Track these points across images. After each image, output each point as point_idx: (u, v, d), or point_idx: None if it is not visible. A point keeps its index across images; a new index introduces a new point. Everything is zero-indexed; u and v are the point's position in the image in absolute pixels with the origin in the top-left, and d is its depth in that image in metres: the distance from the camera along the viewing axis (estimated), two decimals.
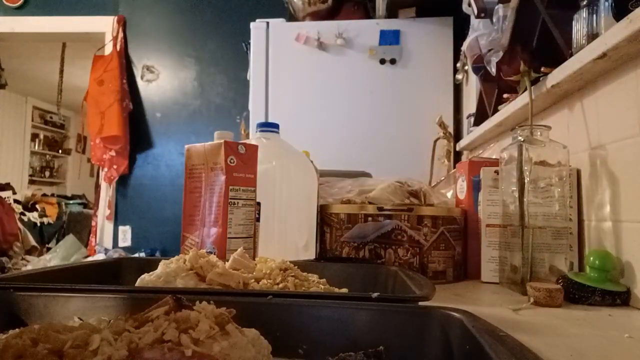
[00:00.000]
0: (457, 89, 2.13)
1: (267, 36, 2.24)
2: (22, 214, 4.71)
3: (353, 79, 2.17)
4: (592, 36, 0.77)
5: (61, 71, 5.21)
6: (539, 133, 0.81)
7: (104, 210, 3.29)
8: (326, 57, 2.19)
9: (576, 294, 0.68)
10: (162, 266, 0.61)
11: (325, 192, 1.04)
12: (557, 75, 0.86)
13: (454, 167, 1.40)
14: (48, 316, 0.42)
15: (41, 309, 0.43)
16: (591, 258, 0.70)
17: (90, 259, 3.11)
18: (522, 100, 1.02)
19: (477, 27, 1.46)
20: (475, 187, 0.96)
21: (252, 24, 2.28)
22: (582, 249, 0.84)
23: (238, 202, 0.79)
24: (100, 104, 3.19)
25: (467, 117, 1.79)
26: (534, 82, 0.94)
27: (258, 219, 0.84)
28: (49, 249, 4.26)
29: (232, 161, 0.79)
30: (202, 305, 0.33)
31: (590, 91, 0.83)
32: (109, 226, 3.28)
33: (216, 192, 0.79)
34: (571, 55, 0.82)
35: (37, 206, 5.03)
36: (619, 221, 0.73)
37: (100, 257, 3.07)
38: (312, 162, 1.03)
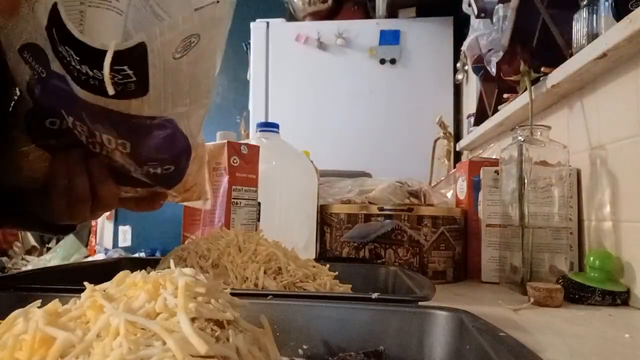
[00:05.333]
0: (457, 89, 2.13)
1: (267, 36, 2.25)
2: None
3: (353, 79, 2.18)
4: (592, 36, 0.77)
5: None
6: (539, 133, 0.81)
7: None
8: (326, 57, 2.19)
9: (576, 294, 0.68)
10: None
11: (325, 192, 1.04)
12: (557, 75, 0.86)
13: (454, 167, 1.40)
14: None
15: None
16: (591, 258, 0.70)
17: (90, 259, 3.12)
18: (522, 100, 1.02)
19: (477, 27, 1.46)
20: (475, 187, 0.96)
21: (252, 24, 2.28)
22: (582, 249, 0.84)
23: (240, 202, 0.80)
24: None
25: (467, 117, 1.79)
26: (534, 82, 0.94)
27: (258, 219, 0.84)
28: (49, 249, 4.26)
29: (234, 161, 0.79)
30: None
31: (590, 91, 0.83)
32: (109, 226, 3.28)
33: (219, 192, 0.79)
34: (571, 55, 0.82)
35: None
36: (619, 221, 0.73)
37: (100, 257, 3.07)
38: (312, 162, 1.03)
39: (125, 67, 0.42)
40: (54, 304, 0.29)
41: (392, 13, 2.22)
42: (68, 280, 0.59)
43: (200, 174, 0.59)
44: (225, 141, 0.80)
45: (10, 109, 0.54)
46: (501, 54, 1.20)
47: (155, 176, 0.53)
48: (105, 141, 0.48)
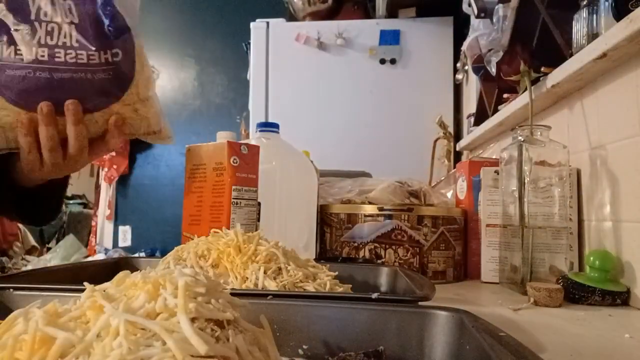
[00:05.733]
0: (457, 89, 2.12)
1: (267, 36, 2.24)
2: None
3: (353, 79, 2.17)
4: (592, 36, 0.77)
5: None
6: (539, 133, 0.81)
7: (104, 210, 3.29)
8: (326, 57, 2.19)
9: (576, 294, 0.68)
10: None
11: (325, 192, 1.04)
12: (557, 75, 0.86)
13: (454, 167, 1.40)
14: None
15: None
16: (591, 258, 0.70)
17: (90, 259, 3.11)
18: (522, 100, 1.02)
19: (477, 27, 1.46)
20: (475, 187, 0.96)
21: (252, 24, 2.28)
22: (582, 249, 0.84)
23: (241, 202, 0.80)
24: None
25: (467, 117, 1.79)
26: (534, 82, 0.94)
27: (258, 219, 0.84)
28: (49, 249, 4.26)
29: (235, 161, 0.79)
30: None
31: (590, 91, 0.83)
32: (109, 226, 3.28)
33: (219, 192, 0.79)
34: (571, 55, 0.82)
35: None
36: (619, 221, 0.73)
37: (100, 257, 3.07)
38: (312, 162, 1.03)
39: None
40: (54, 304, 0.29)
41: (392, 13, 2.22)
42: (68, 280, 0.59)
43: (154, 98, 0.69)
44: (225, 141, 0.80)
45: None
46: (501, 54, 1.19)
47: (108, 69, 0.64)
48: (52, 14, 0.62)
